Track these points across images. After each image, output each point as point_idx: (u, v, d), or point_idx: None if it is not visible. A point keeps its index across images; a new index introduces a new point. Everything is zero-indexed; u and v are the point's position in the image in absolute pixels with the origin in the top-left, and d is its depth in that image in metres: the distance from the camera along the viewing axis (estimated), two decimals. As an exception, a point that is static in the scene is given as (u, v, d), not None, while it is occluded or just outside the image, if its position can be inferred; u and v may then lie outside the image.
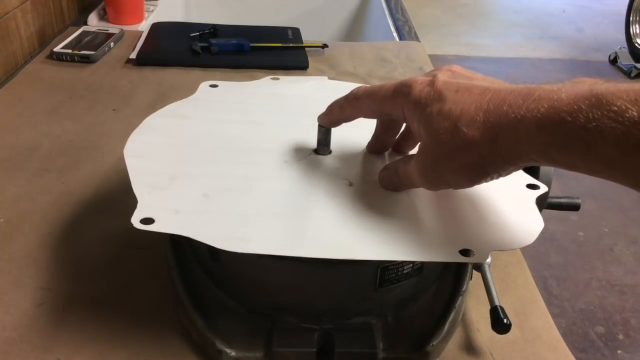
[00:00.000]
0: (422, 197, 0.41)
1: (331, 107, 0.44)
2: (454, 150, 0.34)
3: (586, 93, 0.30)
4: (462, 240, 0.36)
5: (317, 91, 0.57)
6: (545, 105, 0.31)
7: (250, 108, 0.52)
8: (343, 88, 0.58)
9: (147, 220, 0.37)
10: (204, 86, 0.56)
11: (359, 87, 0.42)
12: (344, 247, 0.36)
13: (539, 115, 0.31)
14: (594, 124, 0.29)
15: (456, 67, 0.40)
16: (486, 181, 0.35)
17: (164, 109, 0.51)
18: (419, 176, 0.38)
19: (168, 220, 0.37)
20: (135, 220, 0.36)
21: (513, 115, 0.32)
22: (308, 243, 0.36)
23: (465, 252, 0.36)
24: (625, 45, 3.03)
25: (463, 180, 0.36)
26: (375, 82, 0.82)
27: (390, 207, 0.40)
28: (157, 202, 0.39)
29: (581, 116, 0.29)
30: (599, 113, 0.28)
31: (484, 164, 0.34)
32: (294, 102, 0.54)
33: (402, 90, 0.38)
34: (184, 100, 0.53)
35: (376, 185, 0.42)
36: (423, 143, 0.37)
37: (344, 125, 0.48)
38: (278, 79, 0.59)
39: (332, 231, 0.37)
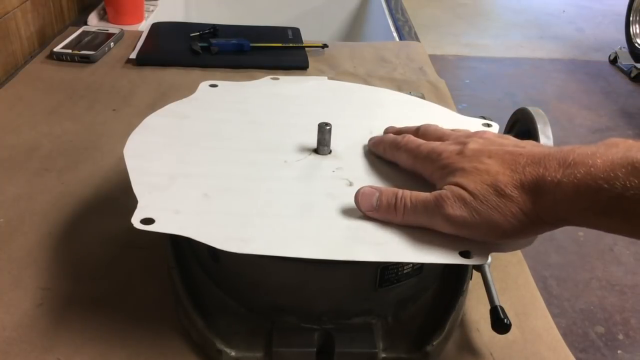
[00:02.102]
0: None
1: (379, 143, 0.45)
2: (493, 203, 0.34)
3: (621, 160, 0.30)
4: (462, 241, 0.36)
5: (317, 91, 0.57)
6: (582, 171, 0.31)
7: (250, 108, 0.52)
8: (343, 88, 0.59)
9: (147, 221, 0.37)
10: (203, 86, 0.56)
11: (403, 138, 0.43)
12: (344, 248, 0.36)
13: (575, 180, 0.31)
14: (632, 192, 0.29)
15: (488, 134, 0.40)
16: (519, 238, 0.35)
17: (163, 109, 0.51)
18: (452, 223, 0.35)
19: (168, 220, 0.37)
20: (136, 221, 0.36)
21: (549, 179, 0.32)
22: (308, 243, 0.36)
23: (465, 254, 0.36)
24: (625, 45, 3.03)
25: (498, 233, 0.35)
26: (376, 82, 0.82)
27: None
28: (157, 202, 0.38)
29: (618, 184, 0.29)
30: (636, 181, 0.29)
31: (523, 220, 0.34)
32: (294, 102, 0.54)
33: (431, 157, 0.40)
34: (183, 100, 0.53)
35: (376, 184, 0.42)
36: (456, 187, 0.36)
37: (343, 125, 0.48)
38: (278, 79, 0.59)
39: (332, 231, 0.37)
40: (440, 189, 0.37)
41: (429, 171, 0.40)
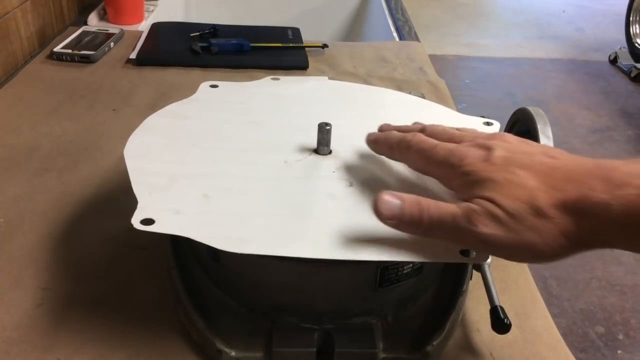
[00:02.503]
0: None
1: (383, 140, 0.42)
2: (531, 222, 0.31)
3: None
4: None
5: (317, 91, 0.57)
6: (633, 193, 0.29)
7: (250, 108, 0.52)
8: (343, 88, 0.59)
9: (148, 221, 0.37)
10: (204, 86, 0.56)
11: (413, 136, 0.39)
12: (344, 248, 0.36)
13: (627, 204, 0.29)
14: None
15: (510, 137, 0.37)
16: (557, 260, 0.32)
17: (163, 109, 0.51)
18: (484, 243, 0.32)
19: (168, 220, 0.37)
20: (136, 221, 0.36)
21: (596, 201, 0.29)
22: (308, 243, 0.36)
23: (465, 252, 0.36)
24: (625, 45, 3.03)
25: (535, 255, 0.32)
26: (376, 82, 0.82)
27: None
28: (157, 203, 0.38)
29: None
30: None
31: (564, 244, 0.31)
32: (294, 103, 0.54)
33: (450, 161, 0.36)
34: (184, 100, 0.53)
35: (376, 185, 0.42)
36: (490, 211, 0.32)
37: (343, 125, 0.48)
38: (278, 79, 0.59)
39: (332, 231, 0.37)
40: (465, 200, 0.33)
41: (447, 177, 0.36)
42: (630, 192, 0.29)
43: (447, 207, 0.33)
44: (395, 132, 0.42)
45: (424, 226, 0.34)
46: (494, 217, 0.31)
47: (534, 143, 0.37)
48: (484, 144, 0.36)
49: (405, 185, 0.42)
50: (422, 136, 0.39)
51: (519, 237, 0.31)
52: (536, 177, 0.32)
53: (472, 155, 0.35)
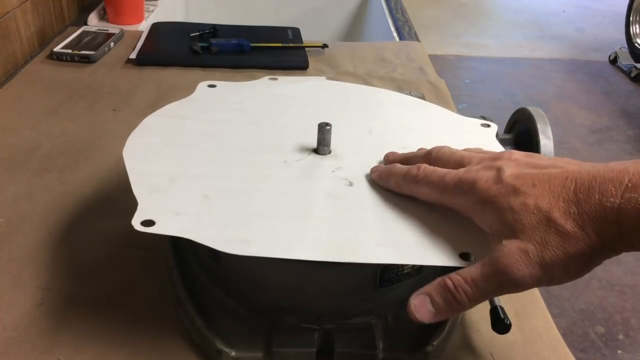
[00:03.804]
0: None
1: (387, 176, 0.41)
2: (557, 245, 0.31)
3: None
4: (462, 243, 0.36)
5: (315, 91, 0.57)
6: None
7: (248, 108, 0.52)
8: (341, 88, 0.59)
9: (148, 223, 0.36)
10: (202, 86, 0.56)
11: (418, 168, 0.39)
12: (345, 250, 0.36)
13: (638, 206, 0.29)
14: None
15: (516, 154, 0.37)
16: (591, 269, 0.32)
17: (162, 109, 0.51)
18: (525, 284, 0.32)
19: (169, 222, 0.37)
20: (136, 223, 0.36)
21: (609, 205, 0.30)
22: (308, 245, 0.36)
23: (465, 256, 0.36)
24: (625, 45, 3.03)
25: (571, 273, 0.32)
26: (376, 82, 0.82)
27: (390, 209, 0.40)
28: (157, 204, 0.38)
29: None
30: None
31: (592, 255, 0.31)
32: (292, 102, 0.54)
33: (463, 188, 0.36)
34: (182, 100, 0.53)
35: (376, 185, 0.42)
36: (511, 240, 0.33)
37: (343, 125, 0.48)
38: (276, 79, 0.59)
39: (332, 232, 0.37)
40: (487, 227, 0.34)
41: (463, 205, 0.36)
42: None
43: (474, 271, 0.33)
44: (398, 166, 0.41)
45: (464, 303, 0.33)
46: (523, 255, 0.32)
47: (540, 156, 0.37)
48: (492, 165, 0.36)
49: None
50: (427, 168, 0.39)
51: (551, 262, 0.31)
52: (550, 192, 0.32)
53: (483, 179, 0.35)
